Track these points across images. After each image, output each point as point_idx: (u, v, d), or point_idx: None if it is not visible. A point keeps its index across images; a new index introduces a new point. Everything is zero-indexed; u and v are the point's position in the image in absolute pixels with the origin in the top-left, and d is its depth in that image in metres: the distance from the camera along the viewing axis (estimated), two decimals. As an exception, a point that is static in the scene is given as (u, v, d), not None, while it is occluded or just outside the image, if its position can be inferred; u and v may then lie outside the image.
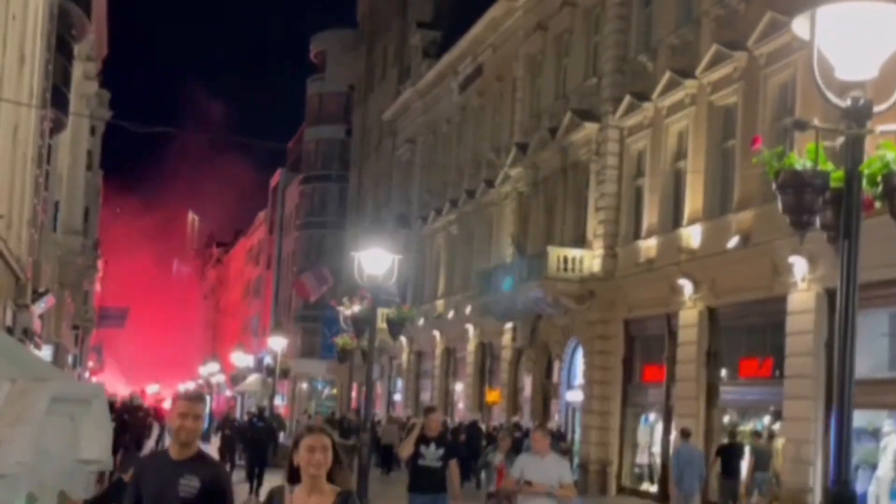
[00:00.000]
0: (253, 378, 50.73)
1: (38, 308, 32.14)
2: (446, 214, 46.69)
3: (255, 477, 25.54)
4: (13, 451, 9.21)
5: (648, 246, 29.91)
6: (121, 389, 79.58)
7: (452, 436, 27.77)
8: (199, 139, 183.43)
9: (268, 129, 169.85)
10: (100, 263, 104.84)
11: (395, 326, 24.57)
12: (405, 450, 12.91)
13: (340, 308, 25.10)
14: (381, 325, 51.93)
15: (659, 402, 29.11)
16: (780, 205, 6.81)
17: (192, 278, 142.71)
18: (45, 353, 36.58)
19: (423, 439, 12.85)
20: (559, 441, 28.25)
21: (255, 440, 26.88)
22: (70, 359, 60.75)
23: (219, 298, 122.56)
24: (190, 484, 6.18)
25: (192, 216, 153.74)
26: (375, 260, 17.57)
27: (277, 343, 36.99)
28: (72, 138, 49.69)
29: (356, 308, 22.98)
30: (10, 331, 29.34)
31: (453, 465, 12.69)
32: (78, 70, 48.11)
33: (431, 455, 12.67)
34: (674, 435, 24.86)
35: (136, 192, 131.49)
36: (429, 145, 50.94)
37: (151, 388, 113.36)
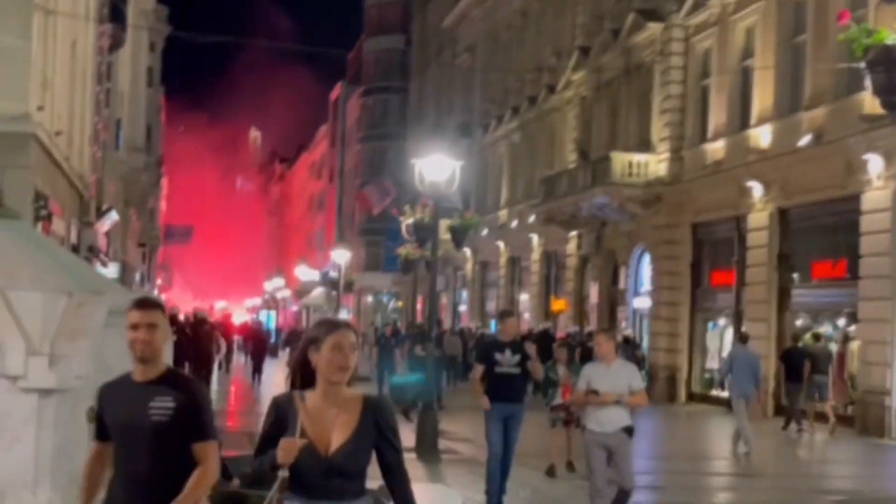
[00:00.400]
0: (317, 292, 50.80)
1: (103, 226, 32.20)
2: (508, 122, 46.06)
3: None
4: (73, 366, 9.06)
5: (716, 148, 29.20)
6: (188, 306, 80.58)
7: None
8: (259, 56, 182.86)
9: (328, 41, 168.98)
10: (164, 181, 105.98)
11: (459, 235, 24.13)
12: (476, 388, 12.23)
13: (402, 218, 24.52)
14: (445, 235, 52.11)
15: (728, 307, 28.63)
16: (868, 84, 6.30)
17: (256, 195, 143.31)
18: (112, 270, 36.78)
19: (497, 345, 12.29)
20: (634, 349, 27.87)
21: None
22: (137, 276, 61.39)
23: (283, 214, 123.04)
24: (163, 406, 5.12)
25: (254, 132, 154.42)
26: (436, 166, 17.15)
27: (341, 256, 36.84)
28: (131, 55, 49.53)
29: (418, 216, 22.48)
30: (75, 248, 29.48)
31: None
32: (135, -15, 47.80)
33: (507, 361, 11.81)
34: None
35: (198, 109, 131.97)
36: (489, 52, 50.11)
37: (219, 305, 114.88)
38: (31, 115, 20.34)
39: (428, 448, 16.56)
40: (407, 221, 23.96)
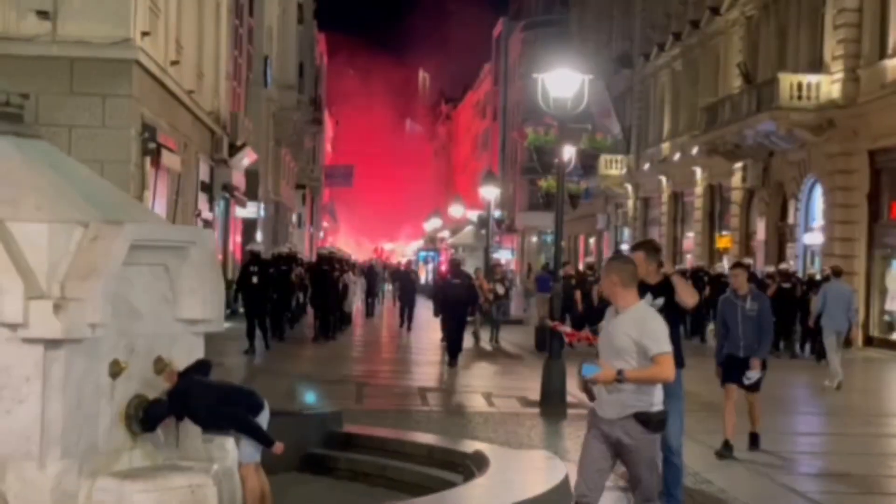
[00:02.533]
0: (467, 230, 48.90)
1: (238, 163, 31.02)
2: (669, 49, 43.20)
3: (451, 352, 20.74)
4: (86, 311, 7.41)
5: (897, 65, 26.12)
6: (352, 249, 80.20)
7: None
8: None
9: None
10: (328, 122, 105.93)
11: (588, 159, 21.77)
12: None
13: (525, 142, 21.92)
14: (606, 170, 49.87)
15: (911, 242, 25.74)
16: None
17: (424, 136, 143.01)
18: (251, 210, 35.79)
19: (640, 286, 9.79)
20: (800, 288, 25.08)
21: (450, 301, 21.25)
22: (294, 218, 60.82)
23: (450, 155, 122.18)
24: None
25: (422, 74, 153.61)
26: (562, 81, 15.02)
27: (490, 192, 34.88)
28: (281, -10, 48.41)
29: (541, 138, 20.16)
30: (206, 186, 28.43)
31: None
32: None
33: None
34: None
35: (365, 51, 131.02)
36: (650, -24, 47.17)
37: (388, 246, 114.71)
38: (134, 41, 18.98)
39: (554, 402, 14.64)
40: (524, 143, 21.44)
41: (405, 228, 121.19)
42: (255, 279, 21.42)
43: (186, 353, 8.50)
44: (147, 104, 20.25)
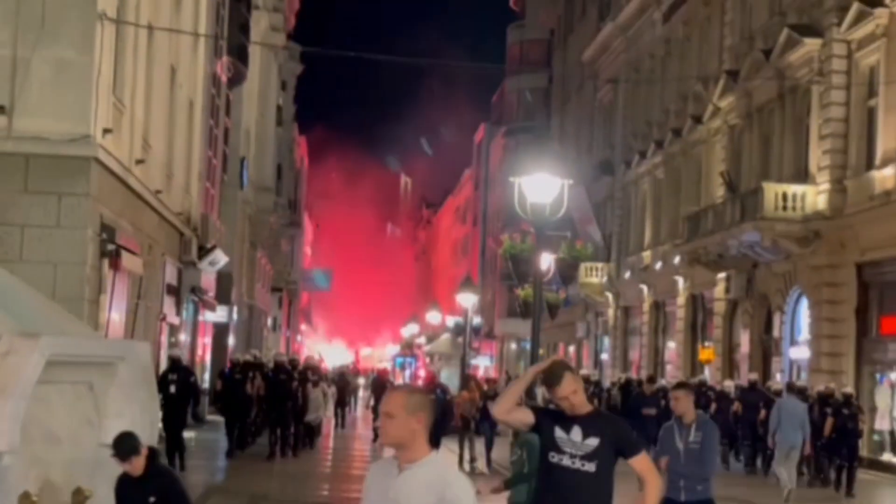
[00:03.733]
0: (444, 338, 47.80)
1: (207, 265, 30.04)
2: (651, 157, 42.77)
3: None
4: (-9, 435, 6.43)
5: (885, 176, 25.50)
6: (329, 354, 78.92)
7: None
8: (406, 103, 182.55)
9: (472, 81, 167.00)
10: (308, 225, 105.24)
11: (567, 269, 20.83)
12: None
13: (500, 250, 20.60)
14: (586, 278, 49.05)
15: (901, 359, 24.86)
16: None
17: (405, 241, 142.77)
18: (221, 314, 34.71)
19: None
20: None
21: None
22: (269, 321, 59.70)
23: (430, 260, 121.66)
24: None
25: (404, 179, 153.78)
26: (540, 186, 14.20)
27: (467, 299, 33.94)
28: (259, 92, 47.99)
29: (516, 247, 19.15)
30: (173, 289, 27.42)
31: None
32: (262, 21, 46.32)
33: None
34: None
35: (348, 155, 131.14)
36: (631, 84, 46.96)
37: (365, 352, 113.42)
38: (94, 138, 18.11)
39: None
40: (498, 251, 20.32)
41: (384, 333, 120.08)
42: (172, 388, 19.87)
43: (110, 481, 7.48)
44: (107, 204, 19.31)
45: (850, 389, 21.55)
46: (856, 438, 21.03)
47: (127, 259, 19.90)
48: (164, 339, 26.73)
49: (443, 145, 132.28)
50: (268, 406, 22.45)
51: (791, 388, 21.67)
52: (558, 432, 6.30)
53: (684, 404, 9.36)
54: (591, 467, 6.20)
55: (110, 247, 18.97)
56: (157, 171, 24.78)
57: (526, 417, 6.51)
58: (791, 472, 19.19)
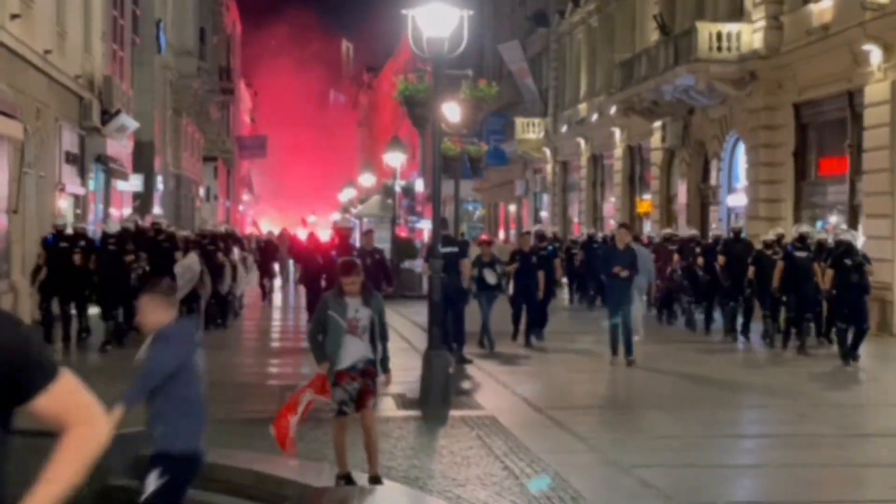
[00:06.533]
0: (373, 199, 46.12)
1: (113, 131, 28.23)
2: (585, 5, 40.99)
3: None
4: None
5: (822, 8, 24.03)
6: (267, 225, 77.25)
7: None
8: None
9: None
10: (245, 93, 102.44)
11: (474, 112, 19.13)
12: None
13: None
14: (523, 134, 47.52)
15: (841, 202, 23.84)
16: None
17: (348, 106, 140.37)
18: (135, 183, 32.91)
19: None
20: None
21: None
22: (202, 191, 57.90)
23: (372, 125, 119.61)
24: None
25: (345, 44, 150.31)
26: (436, 17, 12.62)
27: (395, 159, 32.35)
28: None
29: (410, 87, 17.47)
30: (73, 157, 25.69)
31: None
32: None
33: None
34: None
35: (285, 20, 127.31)
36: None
37: (311, 219, 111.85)
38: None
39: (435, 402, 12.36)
40: (394, 96, 18.52)
41: (329, 199, 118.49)
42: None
43: None
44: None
45: (848, 236, 18.15)
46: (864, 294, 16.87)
47: (2, 123, 18.19)
48: (65, 209, 25.11)
49: (380, 7, 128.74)
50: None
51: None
52: None
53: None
54: None
55: (-26, 109, 17.28)
56: (43, 29, 22.86)
57: None
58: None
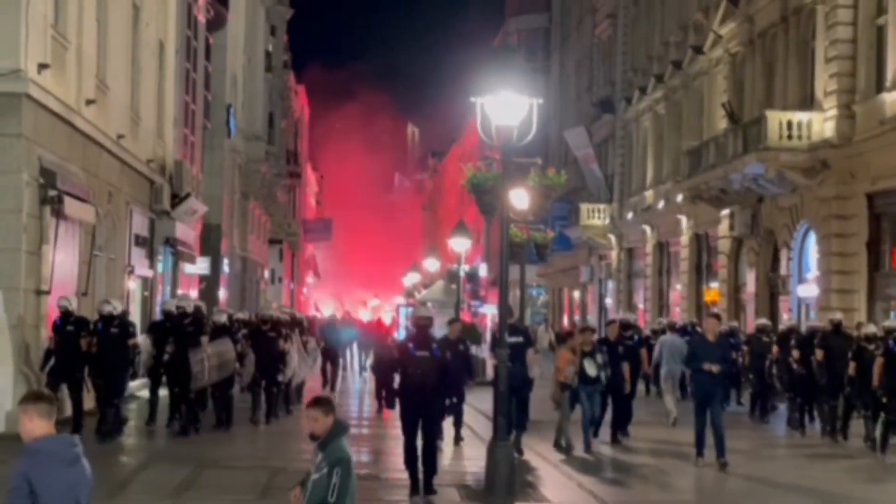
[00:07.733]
0: (437, 284, 46.06)
1: (183, 215, 28.51)
2: (652, 92, 41.00)
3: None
4: None
5: (895, 98, 23.76)
6: (329, 309, 77.47)
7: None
8: (406, 50, 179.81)
9: (470, 24, 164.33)
10: (311, 177, 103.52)
11: (542, 200, 18.91)
12: None
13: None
14: (588, 220, 47.34)
15: (916, 294, 23.28)
16: None
17: (413, 190, 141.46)
18: (202, 266, 33.17)
19: None
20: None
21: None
22: (266, 273, 58.29)
23: (436, 209, 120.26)
24: None
25: (411, 128, 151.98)
26: (505, 106, 12.58)
27: (460, 244, 32.21)
28: (245, 36, 46.24)
29: (477, 175, 17.35)
30: (142, 240, 25.92)
31: None
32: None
33: None
34: None
35: (349, 104, 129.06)
36: (630, 18, 45.12)
37: (372, 303, 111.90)
38: (26, 73, 16.56)
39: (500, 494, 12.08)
40: (463, 184, 18.30)
41: (392, 283, 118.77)
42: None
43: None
44: (47, 146, 17.79)
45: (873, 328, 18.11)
46: None
47: (74, 206, 18.39)
48: (135, 292, 25.30)
49: (445, 92, 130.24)
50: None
51: (671, 326, 25.03)
52: None
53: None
54: None
55: (52, 193, 17.47)
56: (118, 115, 23.23)
57: None
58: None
